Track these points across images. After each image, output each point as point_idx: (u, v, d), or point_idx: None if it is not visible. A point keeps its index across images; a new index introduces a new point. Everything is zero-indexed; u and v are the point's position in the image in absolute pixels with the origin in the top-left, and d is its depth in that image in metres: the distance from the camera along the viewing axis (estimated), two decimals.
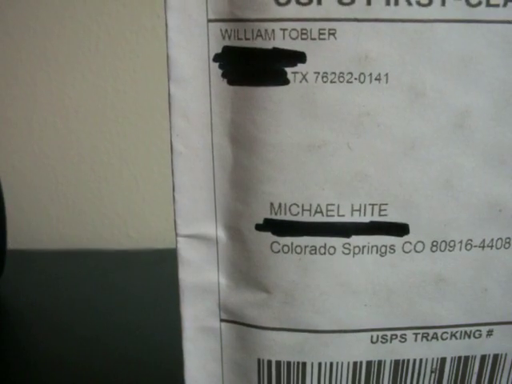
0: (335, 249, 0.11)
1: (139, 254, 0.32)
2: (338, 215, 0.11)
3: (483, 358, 0.13)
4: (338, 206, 0.11)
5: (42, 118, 0.34)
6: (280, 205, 0.11)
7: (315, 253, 0.11)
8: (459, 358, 0.13)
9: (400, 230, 0.11)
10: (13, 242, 0.31)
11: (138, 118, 0.34)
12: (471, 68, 0.11)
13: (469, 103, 0.11)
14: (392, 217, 0.11)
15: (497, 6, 0.10)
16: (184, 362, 0.13)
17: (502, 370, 0.13)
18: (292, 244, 0.12)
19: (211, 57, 0.11)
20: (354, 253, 0.12)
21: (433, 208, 0.11)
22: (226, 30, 0.11)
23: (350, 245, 0.11)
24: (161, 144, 0.34)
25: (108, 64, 0.33)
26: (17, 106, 0.34)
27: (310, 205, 0.11)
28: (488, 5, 0.10)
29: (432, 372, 0.13)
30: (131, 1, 0.32)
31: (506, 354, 0.13)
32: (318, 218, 0.11)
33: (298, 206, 0.11)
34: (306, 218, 0.11)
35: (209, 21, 0.11)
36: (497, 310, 0.12)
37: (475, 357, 0.13)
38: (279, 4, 0.10)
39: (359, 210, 0.11)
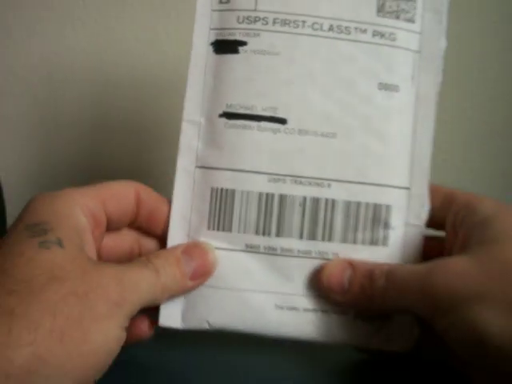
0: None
1: None
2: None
3: (327, 200, 0.24)
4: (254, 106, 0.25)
5: (42, 117, 0.35)
6: (231, 105, 0.25)
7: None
8: (314, 198, 0.24)
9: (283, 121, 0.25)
10: None
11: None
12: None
13: None
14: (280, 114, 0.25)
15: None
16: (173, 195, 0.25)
17: (338, 210, 0.25)
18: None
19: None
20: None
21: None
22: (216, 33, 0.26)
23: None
24: None
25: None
26: (17, 105, 0.35)
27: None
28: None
29: (299, 205, 0.24)
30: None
31: (338, 201, 0.25)
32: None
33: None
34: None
35: (211, 29, 0.26)
36: (336, 169, 0.24)
37: (323, 199, 0.25)
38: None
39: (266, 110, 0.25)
